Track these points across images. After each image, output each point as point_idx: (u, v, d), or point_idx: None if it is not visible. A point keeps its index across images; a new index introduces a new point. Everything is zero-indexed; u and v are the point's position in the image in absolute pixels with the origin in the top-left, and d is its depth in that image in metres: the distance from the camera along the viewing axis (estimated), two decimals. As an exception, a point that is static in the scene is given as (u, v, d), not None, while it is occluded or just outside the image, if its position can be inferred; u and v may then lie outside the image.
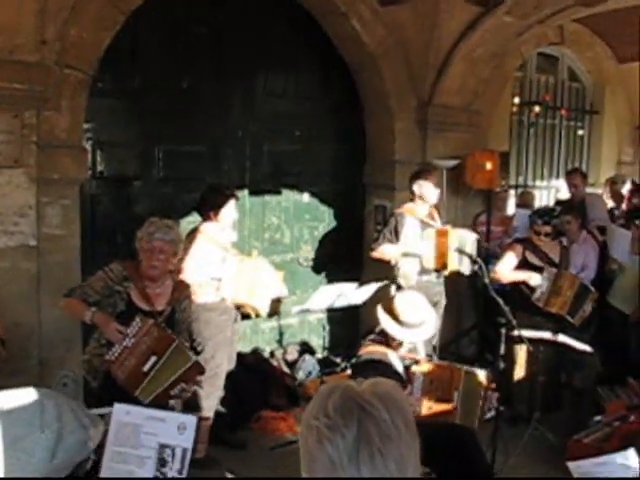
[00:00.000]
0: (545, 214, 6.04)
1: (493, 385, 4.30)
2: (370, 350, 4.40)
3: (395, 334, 4.34)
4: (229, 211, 5.24)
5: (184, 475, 2.62)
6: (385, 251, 6.10)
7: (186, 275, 4.93)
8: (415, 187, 6.12)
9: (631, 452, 2.94)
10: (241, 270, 5.19)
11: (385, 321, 4.38)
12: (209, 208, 5.21)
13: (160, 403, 3.83)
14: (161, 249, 4.11)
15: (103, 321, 4.03)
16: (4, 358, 3.96)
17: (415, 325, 4.35)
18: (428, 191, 6.09)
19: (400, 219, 6.07)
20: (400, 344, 4.39)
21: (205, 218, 5.24)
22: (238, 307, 5.34)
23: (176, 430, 2.68)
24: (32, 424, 1.58)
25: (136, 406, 2.81)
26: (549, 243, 6.04)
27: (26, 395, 1.64)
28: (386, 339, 4.43)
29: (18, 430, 1.56)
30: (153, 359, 3.88)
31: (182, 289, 4.43)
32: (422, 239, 6.01)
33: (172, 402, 4.03)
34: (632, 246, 6.25)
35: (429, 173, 6.21)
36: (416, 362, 4.36)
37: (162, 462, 2.65)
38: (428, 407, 4.15)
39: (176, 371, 3.93)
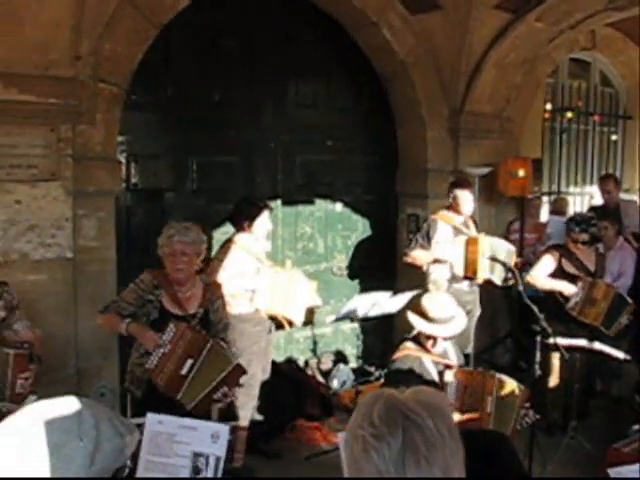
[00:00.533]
0: (582, 221, 5.95)
1: (528, 404, 4.27)
2: (405, 354, 4.42)
3: (427, 330, 4.37)
4: (263, 222, 5.28)
5: None
6: (417, 256, 6.13)
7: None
8: (451, 196, 6.14)
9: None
10: (275, 281, 5.22)
11: (415, 321, 4.42)
12: (243, 219, 5.25)
13: (203, 408, 3.90)
14: (182, 251, 4.12)
15: (138, 331, 4.08)
16: (38, 372, 4.00)
17: (445, 320, 4.38)
18: (463, 202, 6.11)
19: (433, 224, 6.10)
20: (434, 344, 4.39)
21: (239, 229, 5.28)
22: (272, 318, 5.36)
23: (209, 439, 2.71)
24: (70, 432, 1.61)
25: (169, 415, 2.84)
26: (585, 250, 5.97)
27: (64, 404, 1.67)
28: (419, 344, 4.44)
29: (57, 438, 1.59)
30: (190, 362, 3.90)
31: (213, 290, 4.44)
32: (453, 246, 6.01)
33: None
34: None
35: (465, 184, 6.22)
36: (448, 367, 4.36)
37: (196, 470, 2.68)
38: (461, 413, 4.15)
39: (218, 374, 3.95)
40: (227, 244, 5.26)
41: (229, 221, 5.52)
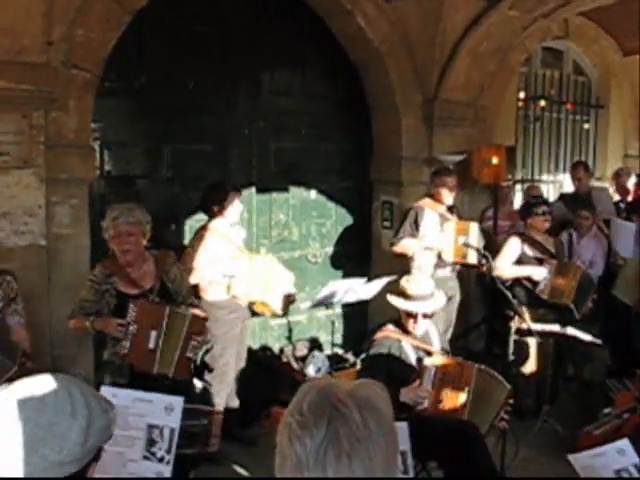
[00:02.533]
0: (536, 197, 6.18)
1: (510, 401, 4.29)
2: (384, 334, 4.43)
3: (407, 307, 4.38)
4: (234, 206, 5.29)
5: (172, 454, 2.67)
6: (407, 245, 6.16)
7: (198, 273, 4.97)
8: (432, 185, 6.23)
9: (625, 442, 2.99)
10: (253, 267, 5.23)
11: (395, 300, 4.43)
12: (212, 205, 5.26)
13: (183, 370, 4.00)
14: (128, 231, 4.14)
15: (102, 324, 4.11)
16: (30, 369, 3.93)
17: (424, 297, 4.39)
18: (442, 192, 6.21)
19: (420, 212, 6.16)
20: (415, 323, 4.40)
21: (211, 215, 5.28)
22: (251, 304, 5.37)
23: (163, 411, 2.74)
24: (63, 410, 1.61)
25: (122, 389, 2.87)
26: (543, 235, 6.07)
27: (51, 382, 1.67)
28: (401, 327, 4.46)
29: (51, 416, 1.59)
30: (154, 334, 3.94)
31: (164, 258, 4.40)
32: (442, 232, 6.07)
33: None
34: (637, 238, 6.25)
35: (444, 175, 6.30)
36: (429, 354, 4.38)
37: (151, 442, 2.71)
38: (437, 401, 4.17)
39: (180, 334, 3.99)
40: (201, 231, 5.26)
41: (200, 209, 5.51)
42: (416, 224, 6.15)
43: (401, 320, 4.50)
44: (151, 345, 3.93)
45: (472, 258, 6.02)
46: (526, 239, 6.06)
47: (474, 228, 6.06)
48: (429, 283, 4.56)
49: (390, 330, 4.49)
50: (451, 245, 6.08)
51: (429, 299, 4.45)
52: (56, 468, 1.58)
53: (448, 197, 6.24)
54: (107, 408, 1.73)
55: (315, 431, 1.34)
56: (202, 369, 5.27)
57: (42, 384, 1.66)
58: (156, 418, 2.72)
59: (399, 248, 6.21)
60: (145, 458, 2.70)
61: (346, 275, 6.95)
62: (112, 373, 4.22)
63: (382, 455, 1.37)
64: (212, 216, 5.28)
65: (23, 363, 3.81)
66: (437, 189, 6.23)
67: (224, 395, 5.32)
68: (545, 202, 6.13)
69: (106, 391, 2.75)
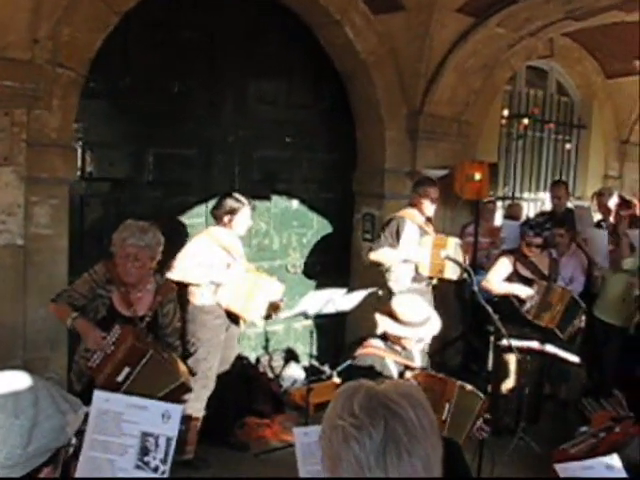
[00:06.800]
0: (536, 226, 6.02)
1: (487, 415, 4.23)
2: (367, 352, 4.31)
3: (401, 333, 4.16)
4: (244, 219, 5.28)
5: (168, 464, 2.58)
6: (385, 254, 6.12)
7: (181, 272, 4.91)
8: (414, 195, 6.21)
9: (615, 457, 2.99)
10: (241, 280, 5.18)
11: (387, 324, 4.22)
12: (224, 213, 5.23)
13: None
14: (136, 255, 3.99)
15: (83, 328, 3.98)
16: None
17: (421, 323, 4.23)
18: (425, 203, 6.20)
19: (402, 223, 6.12)
20: (404, 348, 4.26)
21: (218, 222, 5.25)
22: (228, 314, 5.30)
23: (160, 419, 2.64)
24: (5, 409, 1.57)
25: (117, 394, 2.78)
26: (539, 255, 6.04)
27: (3, 380, 1.62)
28: (387, 341, 4.31)
29: None
30: (126, 370, 3.80)
31: (166, 292, 4.29)
32: (420, 246, 6.05)
33: None
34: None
35: (428, 186, 6.28)
36: (409, 368, 4.29)
37: (144, 451, 2.61)
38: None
39: (159, 389, 3.78)
40: (201, 234, 5.26)
41: (211, 213, 5.45)
42: (397, 235, 6.13)
43: (385, 335, 4.35)
44: (120, 379, 3.79)
45: (449, 273, 6.01)
46: (519, 258, 6.04)
47: (452, 243, 6.03)
48: (424, 307, 4.31)
49: (373, 347, 4.35)
50: (428, 259, 6.07)
51: (426, 324, 4.20)
52: None
53: (429, 208, 6.23)
54: (65, 409, 1.67)
55: (373, 431, 1.37)
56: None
57: None
58: (151, 426, 2.62)
59: (377, 256, 6.17)
60: (137, 467, 2.60)
61: (325, 286, 6.88)
62: (74, 373, 4.18)
63: (436, 453, 1.43)
64: (219, 223, 5.27)
65: None
66: (419, 199, 6.20)
67: (205, 399, 5.25)
68: (540, 234, 5.93)
69: (99, 395, 2.66)
